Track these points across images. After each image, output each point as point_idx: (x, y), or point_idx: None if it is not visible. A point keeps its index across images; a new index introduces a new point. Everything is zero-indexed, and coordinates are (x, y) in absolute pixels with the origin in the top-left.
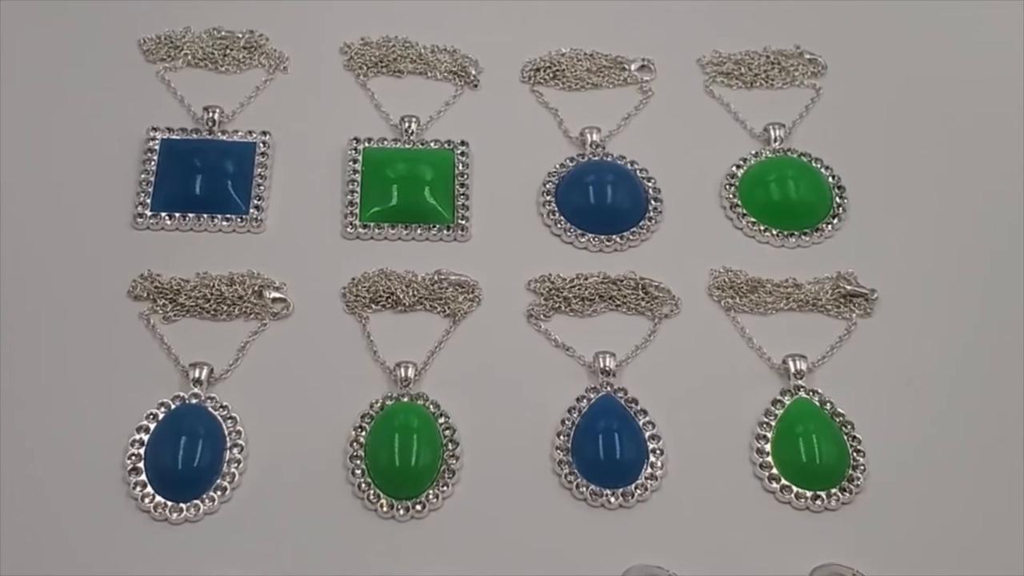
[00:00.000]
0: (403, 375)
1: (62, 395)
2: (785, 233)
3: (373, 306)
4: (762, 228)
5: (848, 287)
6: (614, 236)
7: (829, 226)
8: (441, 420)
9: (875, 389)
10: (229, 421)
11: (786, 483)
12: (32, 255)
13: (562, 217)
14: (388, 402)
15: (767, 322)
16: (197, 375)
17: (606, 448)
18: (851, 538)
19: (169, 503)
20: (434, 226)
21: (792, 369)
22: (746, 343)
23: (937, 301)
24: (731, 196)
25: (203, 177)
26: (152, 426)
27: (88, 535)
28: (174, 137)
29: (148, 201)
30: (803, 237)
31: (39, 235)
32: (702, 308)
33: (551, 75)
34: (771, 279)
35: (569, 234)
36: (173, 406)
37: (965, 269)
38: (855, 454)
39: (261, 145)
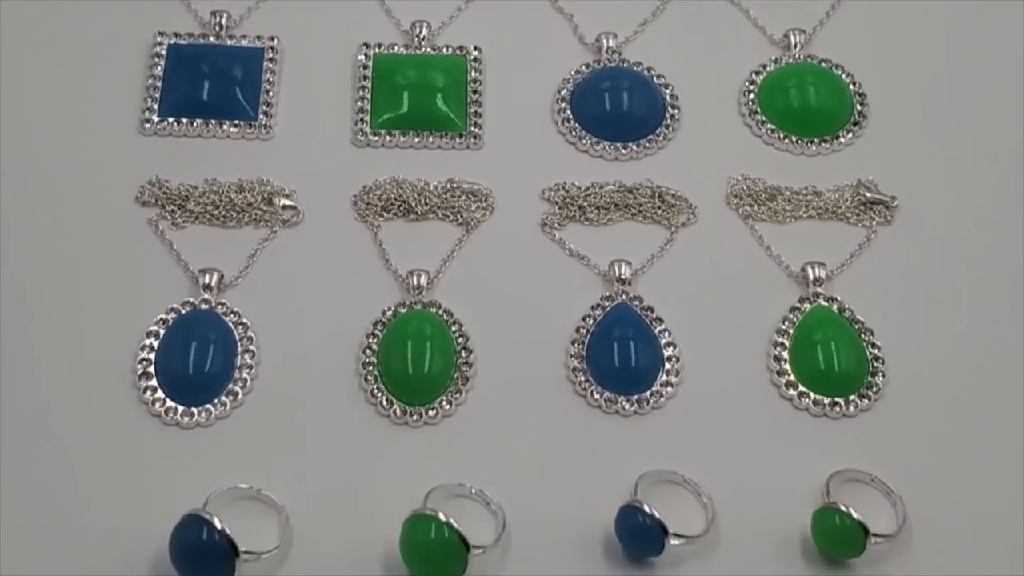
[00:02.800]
0: (415, 283)
1: (70, 301)
2: (805, 140)
3: (384, 214)
4: (781, 135)
5: (868, 195)
6: (630, 144)
7: (850, 133)
8: (454, 328)
9: (895, 297)
10: (240, 327)
11: (803, 390)
12: (39, 161)
13: (577, 125)
14: (401, 310)
15: (786, 230)
16: (207, 281)
17: (621, 355)
18: (869, 444)
19: (180, 407)
20: (446, 134)
21: (811, 276)
22: (764, 251)
23: (958, 209)
24: (750, 103)
25: (211, 83)
26: (162, 331)
27: (99, 439)
28: (181, 42)
29: (155, 107)
30: (823, 144)
31: (46, 140)
32: (719, 216)
33: None
34: (790, 187)
35: (584, 142)
36: (183, 312)
37: (986, 177)
38: (874, 361)
39: (269, 51)
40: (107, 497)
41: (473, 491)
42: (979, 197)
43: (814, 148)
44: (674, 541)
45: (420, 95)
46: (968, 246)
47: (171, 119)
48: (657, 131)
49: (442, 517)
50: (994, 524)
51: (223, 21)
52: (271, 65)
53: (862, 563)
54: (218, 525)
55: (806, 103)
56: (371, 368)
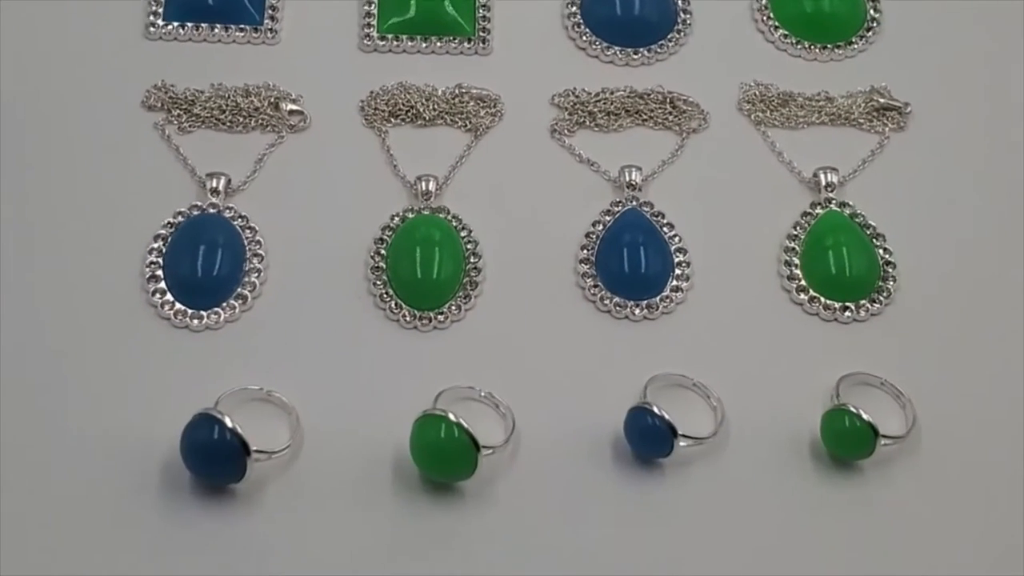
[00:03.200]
0: (424, 188)
1: (77, 206)
2: (818, 46)
3: (392, 120)
4: (794, 41)
5: (881, 101)
6: (641, 49)
7: (863, 39)
8: (463, 233)
9: (907, 203)
10: (248, 231)
11: (814, 295)
12: (45, 67)
13: (587, 29)
14: (409, 215)
15: (798, 136)
16: (214, 185)
17: (631, 261)
18: (879, 349)
19: (190, 311)
20: (454, 39)
21: (823, 182)
22: (776, 157)
23: (970, 115)
24: (762, 7)
25: None
26: (170, 235)
27: (109, 343)
28: None
29: (160, 11)
30: (836, 50)
31: (52, 46)
32: (731, 122)
33: None
34: (802, 93)
35: (595, 47)
36: (191, 215)
37: (999, 84)
38: (885, 266)
39: None
40: (117, 400)
41: (482, 394)
42: (992, 103)
43: (827, 54)
44: (683, 443)
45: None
46: (980, 152)
47: (176, 23)
48: (669, 36)
49: (452, 417)
50: (1002, 427)
51: None
52: None
53: (871, 465)
54: (229, 424)
55: (819, 8)
56: (380, 273)
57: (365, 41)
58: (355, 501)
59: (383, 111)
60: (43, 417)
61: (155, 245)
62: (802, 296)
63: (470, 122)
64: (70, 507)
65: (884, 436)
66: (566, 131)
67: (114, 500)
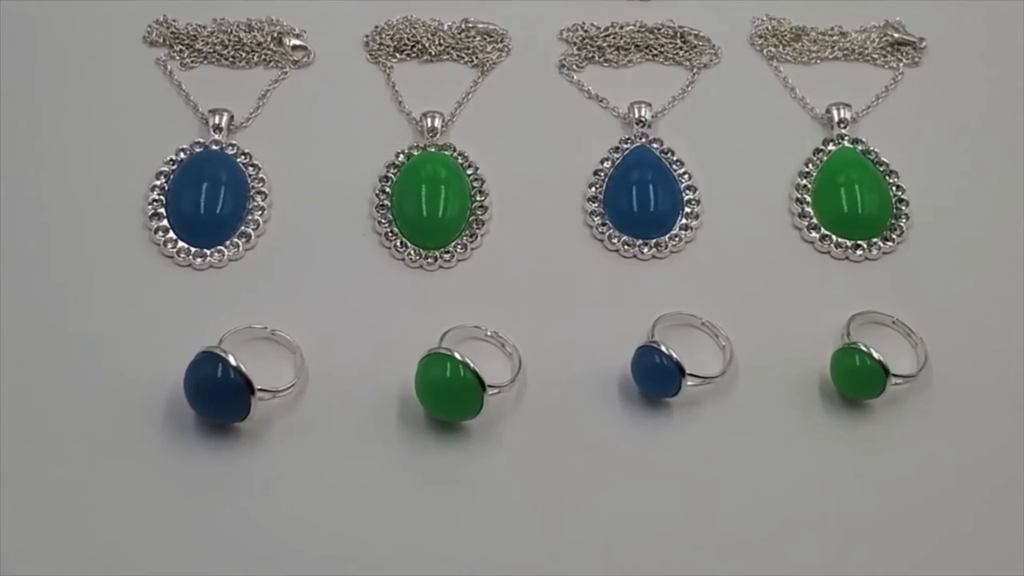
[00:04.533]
0: (429, 125)
1: (78, 143)
2: None
3: (397, 55)
4: None
5: (896, 35)
6: None
7: None
8: (469, 171)
9: (921, 139)
10: (251, 168)
11: (826, 232)
12: (42, 1)
13: None
14: (415, 152)
15: (810, 72)
16: (217, 122)
17: (640, 199)
18: (891, 287)
19: (193, 249)
20: None
21: (835, 118)
22: (788, 93)
23: (987, 49)
24: None
25: None
26: (172, 172)
27: (111, 280)
28: None
29: None
30: None
31: None
32: (743, 57)
33: None
34: (816, 27)
35: None
36: (194, 152)
37: (1013, 18)
38: (898, 204)
39: None
40: (121, 339)
41: (488, 333)
42: (1009, 36)
43: None
44: (691, 382)
45: None
46: (996, 88)
47: None
48: None
49: (458, 356)
50: (1015, 367)
51: None
52: None
53: (881, 404)
54: (233, 362)
55: None
56: (385, 211)
57: None
58: (360, 440)
59: (388, 46)
60: (46, 357)
61: (157, 183)
62: (813, 234)
63: (476, 57)
64: (74, 447)
65: (895, 375)
66: (575, 67)
67: (118, 439)
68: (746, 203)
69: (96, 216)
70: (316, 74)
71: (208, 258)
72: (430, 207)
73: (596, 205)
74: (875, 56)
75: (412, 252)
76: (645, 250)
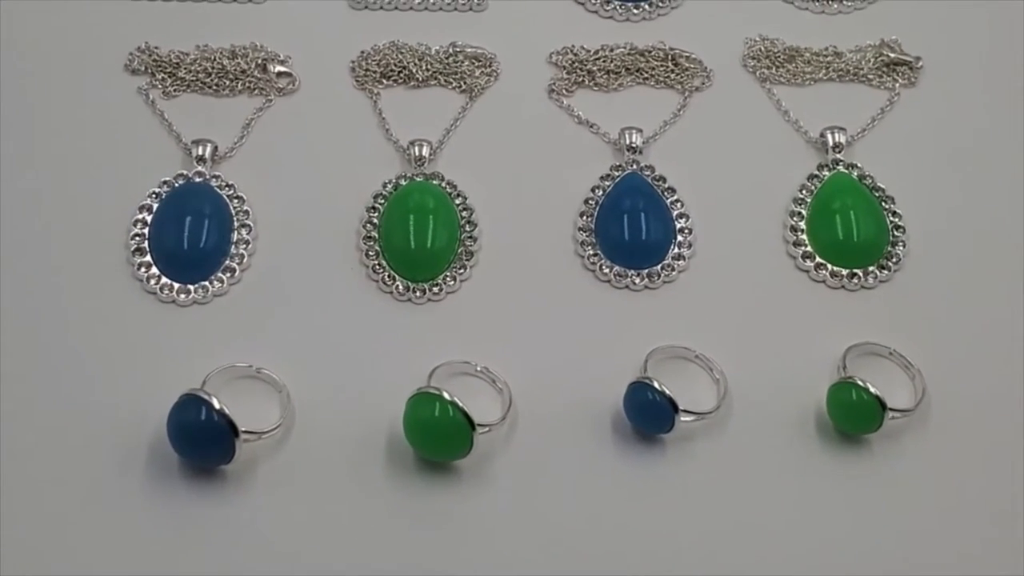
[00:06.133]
0: (417, 153)
1: (57, 175)
2: None
3: (384, 81)
4: None
5: (891, 55)
6: (642, 3)
7: None
8: (458, 200)
9: (917, 163)
10: (236, 200)
11: (821, 261)
12: (22, 28)
13: None
14: (402, 182)
15: (805, 93)
16: (201, 152)
17: (631, 228)
18: (888, 317)
19: (176, 284)
20: None
21: (830, 142)
22: (782, 116)
23: (984, 70)
24: None
25: None
26: (155, 205)
27: (93, 317)
28: None
29: None
30: (844, 3)
31: (30, 5)
32: (736, 79)
33: None
34: (810, 47)
35: (593, 2)
36: (176, 185)
37: (1014, 35)
38: (894, 231)
39: None
40: (103, 377)
41: (479, 368)
42: (1007, 56)
43: (835, 6)
44: (684, 418)
45: None
46: (995, 110)
47: None
48: None
49: (447, 395)
50: (1015, 400)
51: None
52: None
53: (879, 439)
54: (217, 405)
55: None
56: (372, 243)
57: None
58: (348, 480)
59: (375, 72)
60: (25, 397)
61: (140, 216)
62: (808, 262)
63: (465, 82)
64: (55, 488)
65: (892, 409)
66: (564, 91)
67: (100, 481)
68: (739, 231)
69: (78, 251)
70: (301, 101)
71: (192, 294)
72: (418, 239)
73: (587, 234)
74: (870, 77)
75: (400, 285)
76: (637, 280)
